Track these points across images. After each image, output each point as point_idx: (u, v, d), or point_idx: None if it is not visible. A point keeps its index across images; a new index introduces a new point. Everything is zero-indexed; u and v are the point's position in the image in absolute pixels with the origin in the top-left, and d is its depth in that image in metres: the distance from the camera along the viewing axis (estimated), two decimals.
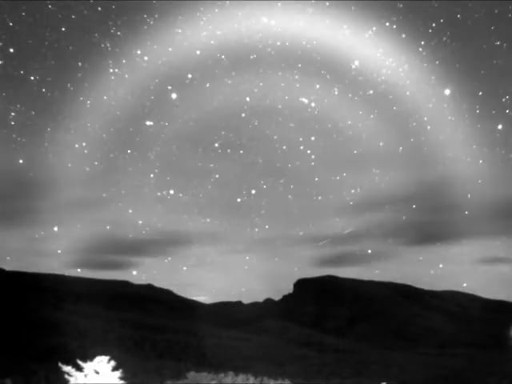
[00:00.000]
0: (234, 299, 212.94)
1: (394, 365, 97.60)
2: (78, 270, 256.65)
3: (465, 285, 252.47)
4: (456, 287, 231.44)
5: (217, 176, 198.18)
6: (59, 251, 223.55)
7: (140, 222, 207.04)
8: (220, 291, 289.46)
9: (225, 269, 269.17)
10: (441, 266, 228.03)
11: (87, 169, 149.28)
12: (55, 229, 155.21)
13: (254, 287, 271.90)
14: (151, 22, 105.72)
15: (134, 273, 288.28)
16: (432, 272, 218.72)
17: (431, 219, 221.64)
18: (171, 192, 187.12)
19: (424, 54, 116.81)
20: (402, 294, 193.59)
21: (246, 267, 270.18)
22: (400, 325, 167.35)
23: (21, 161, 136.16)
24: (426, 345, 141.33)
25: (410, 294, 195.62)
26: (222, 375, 32.81)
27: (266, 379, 34.19)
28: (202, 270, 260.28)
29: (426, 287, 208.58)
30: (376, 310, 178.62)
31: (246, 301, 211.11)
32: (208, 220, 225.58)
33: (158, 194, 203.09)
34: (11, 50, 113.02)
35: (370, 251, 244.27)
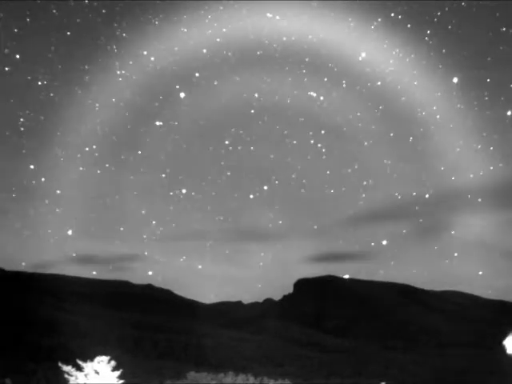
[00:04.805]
0: (234, 299, 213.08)
1: (394, 365, 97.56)
2: (94, 272, 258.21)
3: (480, 273, 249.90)
4: (456, 287, 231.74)
5: (228, 173, 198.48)
6: (74, 254, 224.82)
7: (154, 222, 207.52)
8: (232, 289, 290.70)
9: (241, 266, 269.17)
10: (456, 254, 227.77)
11: (99, 171, 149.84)
12: (69, 232, 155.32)
13: (267, 283, 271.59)
14: (156, 23, 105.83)
15: (150, 273, 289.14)
16: (447, 261, 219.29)
17: (442, 209, 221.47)
18: (183, 191, 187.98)
19: (430, 43, 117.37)
20: (402, 294, 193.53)
21: (260, 263, 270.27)
22: (400, 325, 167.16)
23: (32, 166, 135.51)
24: (426, 345, 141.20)
25: (410, 294, 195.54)
26: (221, 375, 32.86)
27: (266, 379, 34.21)
28: (217, 268, 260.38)
29: (426, 287, 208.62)
30: (376, 310, 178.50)
31: (245, 301, 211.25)
32: (221, 218, 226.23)
33: (171, 193, 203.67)
34: (17, 57, 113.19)
35: (385, 242, 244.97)
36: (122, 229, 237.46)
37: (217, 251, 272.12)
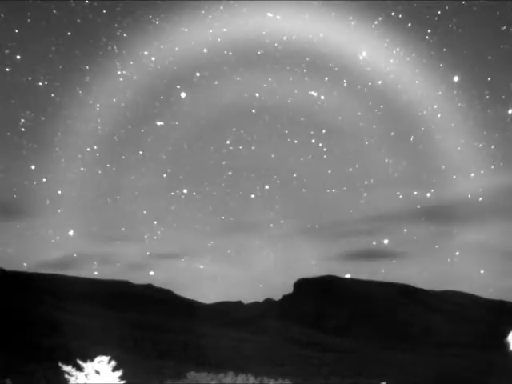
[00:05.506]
0: (234, 299, 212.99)
1: (394, 365, 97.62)
2: (95, 272, 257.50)
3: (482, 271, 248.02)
4: (456, 287, 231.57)
5: (229, 173, 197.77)
6: (75, 255, 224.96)
7: (155, 222, 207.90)
8: (232, 289, 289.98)
9: (242, 266, 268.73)
10: (457, 253, 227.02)
11: (100, 171, 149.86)
12: (70, 233, 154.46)
13: (267, 283, 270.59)
14: (157, 22, 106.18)
15: (151, 273, 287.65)
16: (449, 260, 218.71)
17: (443, 208, 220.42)
18: (184, 191, 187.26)
19: (431, 41, 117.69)
20: (402, 294, 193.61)
21: (261, 263, 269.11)
22: (400, 325, 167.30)
23: (33, 167, 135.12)
24: (426, 345, 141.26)
25: (410, 294, 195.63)
26: (221, 375, 32.80)
27: (265, 379, 34.19)
28: (217, 268, 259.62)
29: (426, 287, 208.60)
30: (376, 310, 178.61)
31: (245, 301, 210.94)
32: (223, 217, 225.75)
33: (172, 193, 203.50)
34: (18, 57, 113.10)
35: (386, 241, 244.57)
36: (123, 229, 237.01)
37: (217, 251, 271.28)
